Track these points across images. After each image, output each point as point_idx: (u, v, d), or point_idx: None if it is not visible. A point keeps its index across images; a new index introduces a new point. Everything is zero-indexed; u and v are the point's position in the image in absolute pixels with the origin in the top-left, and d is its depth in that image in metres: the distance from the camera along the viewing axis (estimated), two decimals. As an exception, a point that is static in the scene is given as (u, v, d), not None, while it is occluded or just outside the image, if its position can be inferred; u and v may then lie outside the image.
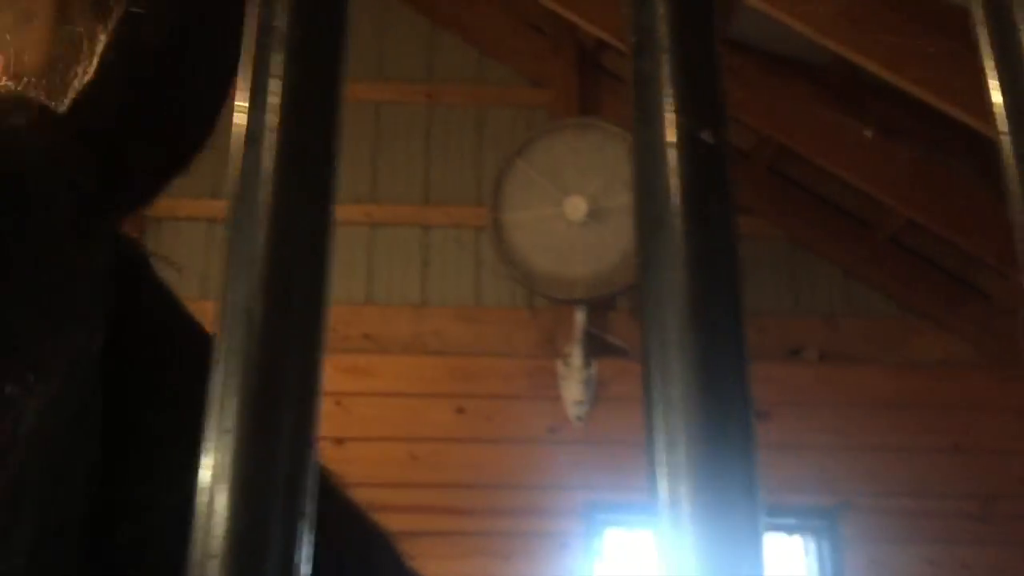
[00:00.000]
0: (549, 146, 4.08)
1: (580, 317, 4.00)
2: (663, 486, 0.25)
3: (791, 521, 3.97)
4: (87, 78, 0.67)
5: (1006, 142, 0.32)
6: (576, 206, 3.96)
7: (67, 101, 0.67)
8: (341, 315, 4.00)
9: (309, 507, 0.25)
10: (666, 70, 0.28)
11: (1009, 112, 0.32)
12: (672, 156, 0.27)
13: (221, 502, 0.25)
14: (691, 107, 0.28)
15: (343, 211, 3.05)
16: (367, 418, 3.87)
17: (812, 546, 3.98)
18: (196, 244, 4.09)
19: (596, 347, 4.07)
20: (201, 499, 0.24)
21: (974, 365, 4.09)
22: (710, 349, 0.26)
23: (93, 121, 0.67)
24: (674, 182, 0.27)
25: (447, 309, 4.23)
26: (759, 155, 4.36)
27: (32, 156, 0.64)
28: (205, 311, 0.61)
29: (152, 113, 0.68)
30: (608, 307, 4.18)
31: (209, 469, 0.25)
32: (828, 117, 3.90)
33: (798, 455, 3.90)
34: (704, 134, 0.28)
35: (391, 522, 0.88)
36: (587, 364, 3.99)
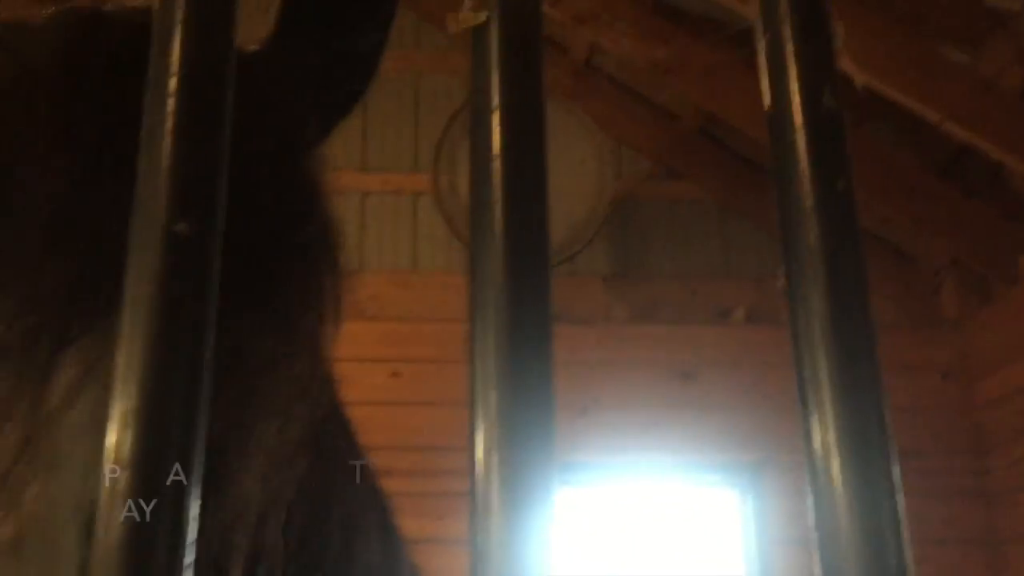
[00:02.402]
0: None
1: (512, 281, 4.07)
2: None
3: (717, 477, 4.09)
4: (271, 21, 0.69)
5: None
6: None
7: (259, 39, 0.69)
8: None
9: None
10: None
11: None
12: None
13: None
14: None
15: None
16: (303, 383, 3.92)
17: (737, 500, 4.10)
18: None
19: (529, 311, 4.13)
20: None
21: (896, 325, 4.19)
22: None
23: (285, 58, 0.69)
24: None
25: (383, 273, 4.28)
26: (690, 119, 4.42)
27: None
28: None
29: (327, 53, 0.72)
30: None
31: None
32: (754, 82, 3.95)
33: (724, 414, 4.02)
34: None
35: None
36: (518, 328, 4.06)
